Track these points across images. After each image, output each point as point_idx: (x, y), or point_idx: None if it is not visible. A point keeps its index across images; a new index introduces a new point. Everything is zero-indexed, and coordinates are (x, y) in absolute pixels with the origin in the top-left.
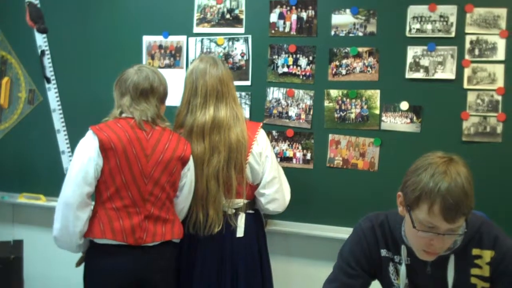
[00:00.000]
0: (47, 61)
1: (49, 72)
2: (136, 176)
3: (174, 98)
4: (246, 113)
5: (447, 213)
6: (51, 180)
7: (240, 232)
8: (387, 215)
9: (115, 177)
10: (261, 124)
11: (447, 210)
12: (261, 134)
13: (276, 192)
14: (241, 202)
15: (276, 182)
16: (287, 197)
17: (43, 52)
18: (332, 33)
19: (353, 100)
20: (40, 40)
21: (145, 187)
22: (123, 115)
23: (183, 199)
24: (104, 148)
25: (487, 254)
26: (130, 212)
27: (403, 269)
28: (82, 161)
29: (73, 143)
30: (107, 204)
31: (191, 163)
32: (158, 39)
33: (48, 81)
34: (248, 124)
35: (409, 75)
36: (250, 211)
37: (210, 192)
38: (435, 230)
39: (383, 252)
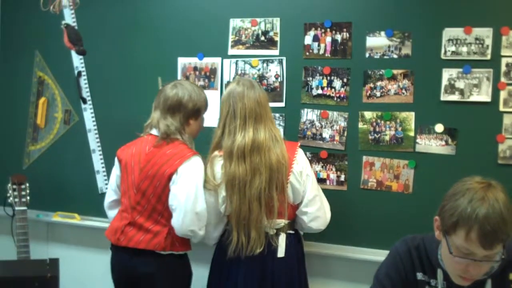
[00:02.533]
0: (83, 82)
1: (85, 92)
2: (130, 186)
3: (208, 119)
4: (281, 135)
5: (484, 240)
6: (85, 199)
7: (281, 253)
8: (423, 239)
9: (122, 185)
10: (299, 144)
11: (485, 237)
12: (300, 154)
13: (318, 210)
14: (282, 222)
15: (317, 200)
16: (328, 214)
17: (79, 73)
18: (367, 55)
19: (388, 122)
20: (77, 61)
21: (134, 197)
22: (150, 131)
23: (175, 217)
24: (118, 159)
25: None
26: (123, 216)
27: None
28: (112, 172)
29: (108, 163)
30: (120, 207)
31: (177, 178)
32: (193, 60)
33: (84, 101)
34: (287, 144)
35: (444, 97)
36: (290, 231)
37: (252, 213)
38: (472, 256)
39: (419, 276)
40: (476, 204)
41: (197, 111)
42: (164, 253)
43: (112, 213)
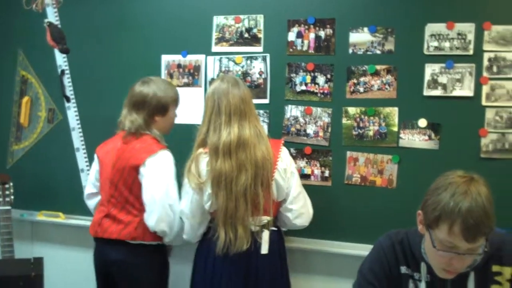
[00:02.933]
0: (66, 80)
1: (69, 91)
2: (105, 180)
3: (192, 117)
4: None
5: (467, 234)
6: (70, 198)
7: (265, 249)
8: (407, 233)
9: (100, 180)
10: (283, 141)
11: (468, 231)
12: (284, 151)
13: (302, 207)
14: (266, 219)
15: (302, 197)
16: (311, 210)
17: (63, 71)
18: (350, 51)
19: (371, 118)
20: (60, 59)
21: (108, 190)
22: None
23: (147, 209)
24: (96, 155)
25: (508, 271)
26: (100, 210)
27: (422, 286)
28: (92, 166)
29: (92, 161)
30: (99, 201)
31: (145, 171)
32: (177, 58)
33: (68, 100)
34: (271, 142)
35: (427, 92)
36: (273, 228)
37: (239, 210)
38: (455, 249)
39: (403, 269)
40: (458, 198)
41: (163, 108)
42: (134, 243)
43: (91, 202)
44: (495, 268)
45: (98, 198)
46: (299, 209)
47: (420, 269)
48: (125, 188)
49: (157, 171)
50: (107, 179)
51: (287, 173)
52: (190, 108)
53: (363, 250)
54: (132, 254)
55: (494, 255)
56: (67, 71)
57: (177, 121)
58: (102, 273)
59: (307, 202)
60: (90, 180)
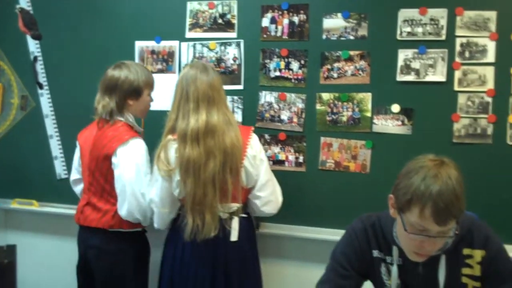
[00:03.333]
0: (39, 67)
1: (42, 78)
2: (85, 168)
3: (166, 103)
4: (239, 117)
5: (438, 217)
6: (44, 185)
7: (234, 236)
8: (378, 216)
9: (82, 166)
10: (253, 128)
11: (438, 214)
12: (254, 138)
13: (271, 194)
14: (235, 206)
15: (270, 185)
16: (280, 198)
17: (35, 58)
18: (324, 37)
19: (345, 103)
20: (33, 46)
21: (88, 178)
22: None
23: (119, 199)
24: (78, 143)
25: (478, 254)
26: (83, 197)
27: (394, 269)
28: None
29: (66, 149)
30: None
31: (116, 161)
32: (151, 44)
33: (41, 87)
34: (240, 129)
35: (400, 78)
36: (243, 215)
37: (207, 197)
38: (426, 232)
39: (375, 253)
40: (429, 181)
41: (135, 91)
42: (111, 230)
43: (76, 188)
44: (465, 251)
45: (82, 184)
46: (268, 197)
47: (392, 252)
48: (101, 176)
49: (127, 160)
50: (86, 166)
51: (256, 160)
52: (164, 94)
53: (337, 235)
54: (108, 241)
55: (465, 238)
56: (40, 58)
57: (151, 107)
58: (83, 258)
59: (276, 190)
60: (74, 166)
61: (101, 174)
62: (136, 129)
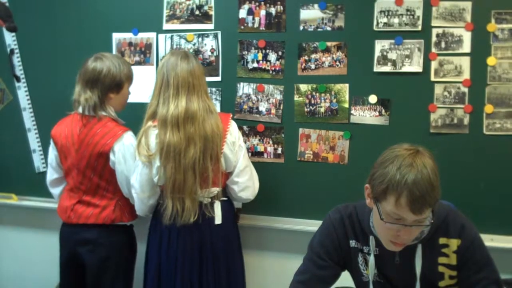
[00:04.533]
0: (16, 59)
1: (19, 70)
2: (71, 167)
3: (145, 95)
4: (217, 109)
5: (413, 205)
6: (22, 179)
7: (218, 220)
8: (355, 206)
9: (63, 166)
10: (231, 115)
11: (414, 202)
12: (233, 125)
13: (248, 180)
14: (216, 190)
15: (248, 171)
16: (257, 184)
17: (12, 50)
18: (301, 28)
19: (323, 94)
20: (9, 38)
21: (76, 178)
22: (78, 107)
23: (124, 190)
24: (54, 142)
25: (454, 243)
26: (70, 196)
27: (371, 259)
28: (49, 151)
29: (44, 142)
30: (66, 186)
31: (115, 156)
32: (128, 36)
33: (18, 79)
34: (220, 116)
35: (377, 68)
36: (224, 198)
37: (187, 182)
38: (402, 221)
39: (352, 243)
40: (404, 170)
41: (117, 85)
42: (106, 224)
43: (55, 190)
44: (442, 240)
45: (63, 184)
46: (245, 182)
47: (369, 242)
48: (95, 174)
49: (127, 155)
50: (73, 165)
51: (235, 146)
52: (142, 86)
53: (316, 226)
54: (103, 235)
55: (441, 227)
56: (17, 51)
57: (130, 99)
58: (70, 254)
59: (253, 176)
60: (51, 165)
61: (94, 172)
62: (119, 122)
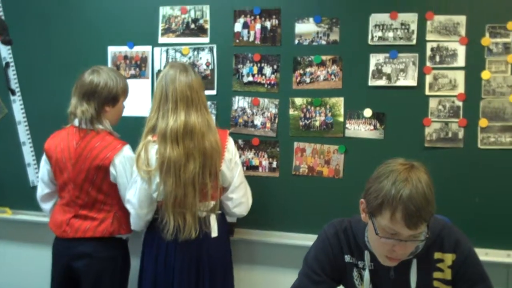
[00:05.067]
0: (11, 73)
1: (14, 84)
2: (67, 182)
3: (140, 109)
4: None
5: (409, 220)
6: (17, 193)
7: (214, 233)
8: (350, 221)
9: (58, 180)
10: (228, 131)
11: (409, 217)
12: (231, 142)
13: (242, 196)
14: (212, 203)
15: (242, 187)
16: (250, 200)
17: (7, 64)
18: (296, 41)
19: (318, 108)
20: (5, 52)
21: (73, 192)
22: (74, 120)
23: (126, 203)
24: (47, 156)
25: (449, 258)
26: (65, 210)
27: (366, 274)
28: (41, 165)
29: (39, 156)
30: (59, 200)
31: (116, 170)
32: (123, 49)
33: (13, 93)
34: (218, 132)
35: (372, 82)
36: (219, 211)
37: (187, 197)
38: (398, 236)
39: (347, 258)
40: (400, 185)
41: (113, 98)
42: (103, 237)
43: (46, 205)
44: (436, 255)
45: (54, 199)
46: (239, 199)
47: (364, 257)
48: (93, 188)
49: (128, 168)
50: (69, 180)
51: (232, 163)
52: (137, 100)
53: (310, 240)
54: (100, 249)
55: (436, 242)
56: (12, 64)
57: (125, 113)
58: (64, 268)
59: (247, 192)
60: (42, 180)
61: (92, 185)
62: (115, 135)
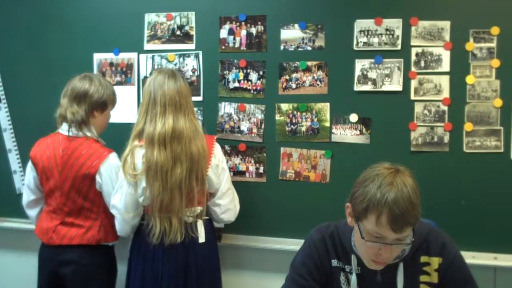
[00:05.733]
0: None
1: None
2: (53, 189)
3: (126, 115)
4: None
5: (394, 224)
6: (2, 200)
7: (202, 238)
8: (336, 226)
9: (44, 187)
10: (215, 137)
11: (394, 221)
12: (217, 147)
13: (230, 202)
14: (199, 209)
15: (230, 193)
16: (238, 206)
17: None
18: (282, 47)
19: (304, 113)
20: None
21: (60, 199)
22: (61, 125)
23: (111, 208)
24: (33, 163)
25: (435, 261)
26: (52, 217)
27: (353, 278)
28: (26, 172)
29: (25, 163)
30: (46, 207)
31: (102, 178)
32: (109, 56)
33: None
34: (205, 138)
35: (357, 87)
36: (206, 217)
37: (173, 201)
38: (383, 240)
39: (334, 262)
40: (385, 189)
41: (103, 103)
42: (89, 245)
43: (32, 212)
44: (423, 258)
45: (40, 206)
46: (227, 205)
47: (351, 261)
48: (79, 196)
49: (113, 176)
50: (56, 187)
51: (219, 169)
52: (123, 106)
53: (298, 245)
54: (86, 256)
55: (422, 246)
56: None
57: (111, 119)
58: (51, 275)
59: (235, 198)
60: (28, 187)
61: (79, 193)
62: (101, 143)
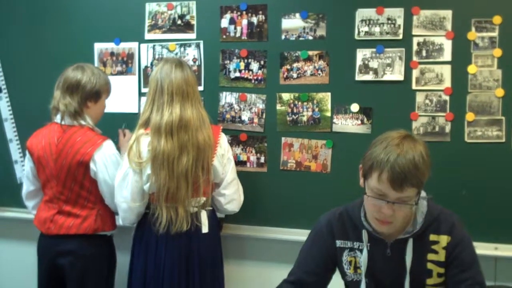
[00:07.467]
0: None
1: (0, 81)
2: (49, 178)
3: (127, 105)
4: None
5: (393, 181)
6: (3, 190)
7: (205, 228)
8: (346, 207)
9: (41, 177)
10: (221, 127)
11: (394, 178)
12: (223, 137)
13: (234, 192)
14: (203, 199)
15: (235, 184)
16: (242, 196)
17: None
18: (283, 37)
19: (305, 103)
20: None
21: (56, 188)
22: (56, 116)
23: (107, 199)
24: (30, 153)
25: (444, 239)
26: (49, 207)
27: (364, 253)
28: (25, 163)
29: (25, 153)
30: (43, 197)
31: (96, 166)
32: (110, 46)
33: None
34: (211, 127)
35: (358, 77)
36: (209, 208)
37: (180, 190)
38: (385, 197)
39: (338, 243)
40: (389, 149)
41: (96, 93)
42: (88, 234)
43: (30, 203)
44: (432, 237)
45: (39, 197)
46: (232, 195)
47: (361, 237)
48: (75, 184)
49: (108, 163)
50: (52, 176)
51: (224, 159)
52: (124, 96)
53: (298, 235)
54: (84, 246)
55: (432, 224)
56: None
57: (112, 109)
58: (50, 265)
59: (239, 189)
60: (27, 177)
61: (75, 181)
62: (96, 131)
